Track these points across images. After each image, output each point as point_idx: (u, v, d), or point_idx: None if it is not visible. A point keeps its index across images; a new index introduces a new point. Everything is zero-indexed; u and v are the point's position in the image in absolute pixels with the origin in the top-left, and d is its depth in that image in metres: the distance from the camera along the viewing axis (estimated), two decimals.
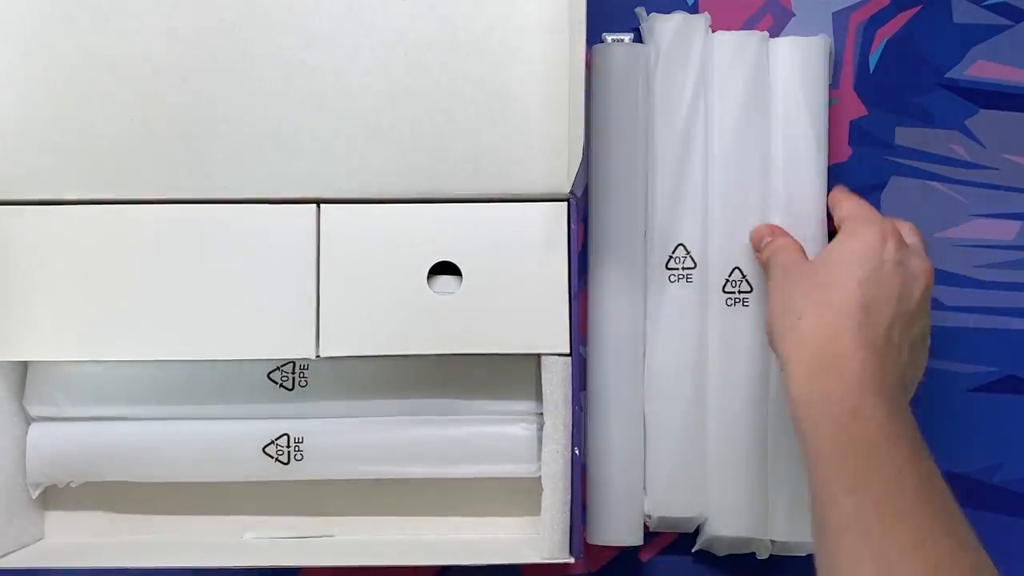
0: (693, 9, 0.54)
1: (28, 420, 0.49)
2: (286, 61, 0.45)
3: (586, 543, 0.50)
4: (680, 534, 0.53)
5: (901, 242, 0.43)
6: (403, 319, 0.45)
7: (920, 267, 0.43)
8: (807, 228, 0.51)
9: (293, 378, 0.49)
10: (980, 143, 0.54)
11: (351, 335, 0.45)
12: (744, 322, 0.50)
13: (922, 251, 0.44)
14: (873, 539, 0.35)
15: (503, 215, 0.45)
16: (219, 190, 0.45)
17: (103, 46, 0.45)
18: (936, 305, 0.52)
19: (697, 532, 0.52)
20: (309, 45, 0.45)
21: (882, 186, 0.54)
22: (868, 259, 0.42)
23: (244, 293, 0.45)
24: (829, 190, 0.51)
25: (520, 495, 0.50)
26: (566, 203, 0.46)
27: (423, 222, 0.45)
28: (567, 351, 0.45)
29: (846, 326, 0.39)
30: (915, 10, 0.54)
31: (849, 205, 0.46)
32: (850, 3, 0.54)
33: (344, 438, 0.48)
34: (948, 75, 0.54)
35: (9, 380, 0.48)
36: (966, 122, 0.54)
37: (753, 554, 0.51)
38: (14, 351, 0.45)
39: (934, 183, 0.54)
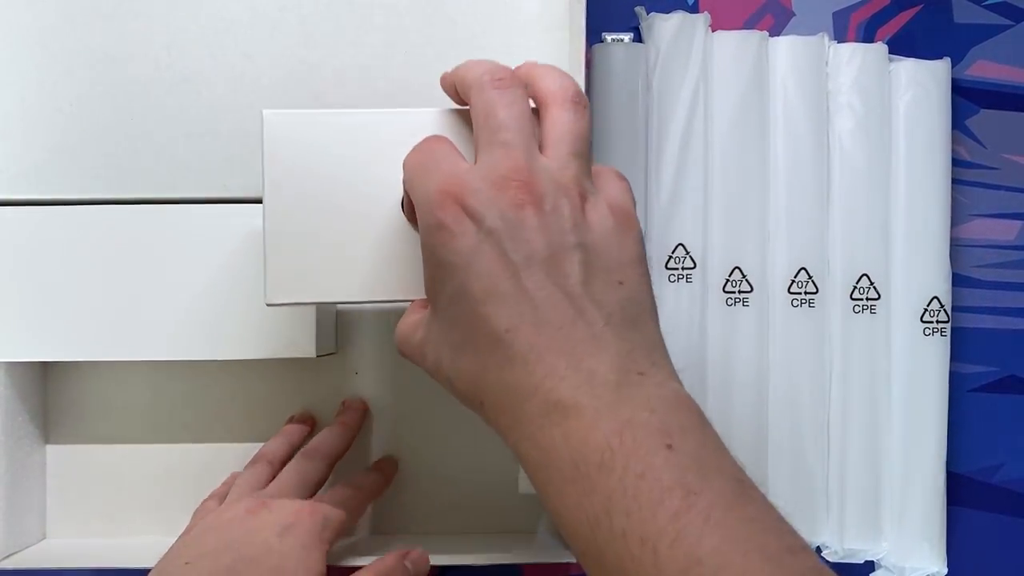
0: (693, 9, 0.54)
1: (30, 419, 0.49)
2: (286, 60, 0.45)
3: None
4: None
5: None
6: None
7: None
8: (808, 228, 0.51)
9: None
10: (981, 143, 0.54)
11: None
12: (744, 322, 0.50)
13: None
14: None
15: None
16: (219, 189, 0.45)
17: (103, 46, 0.45)
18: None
19: None
20: (308, 44, 0.45)
21: None
22: None
23: (245, 292, 0.45)
24: (828, 189, 0.51)
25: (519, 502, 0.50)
26: None
27: None
28: None
29: None
30: (916, 10, 0.54)
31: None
32: (851, 3, 0.54)
33: None
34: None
35: (12, 379, 0.48)
36: (967, 122, 0.54)
37: None
38: (14, 351, 0.45)
39: None
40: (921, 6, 0.54)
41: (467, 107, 0.33)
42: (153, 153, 0.45)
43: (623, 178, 0.32)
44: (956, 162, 0.53)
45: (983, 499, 0.53)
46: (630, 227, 0.31)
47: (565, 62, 0.45)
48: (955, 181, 0.53)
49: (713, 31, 0.52)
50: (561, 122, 0.31)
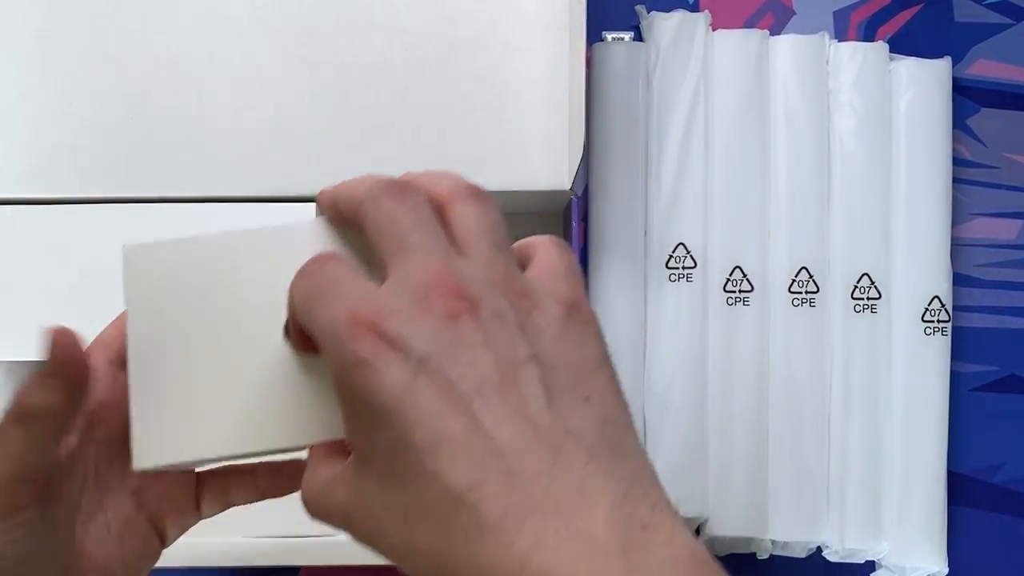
0: (694, 8, 0.54)
1: None
2: (286, 59, 0.45)
3: None
4: None
5: None
6: None
7: None
8: (808, 227, 0.51)
9: None
10: (982, 142, 0.54)
11: None
12: (745, 321, 0.50)
13: None
14: None
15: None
16: (218, 188, 0.45)
17: (103, 46, 0.45)
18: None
19: (697, 532, 0.52)
20: (309, 42, 0.45)
21: None
22: None
23: None
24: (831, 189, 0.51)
25: None
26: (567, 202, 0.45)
27: None
28: None
29: None
30: (916, 8, 0.54)
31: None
32: (851, 1, 0.54)
33: None
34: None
35: (12, 379, 0.48)
36: (968, 121, 0.54)
37: (754, 554, 0.51)
38: (14, 351, 0.45)
39: None
40: (922, 5, 0.54)
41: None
42: (153, 153, 0.45)
43: (565, 249, 0.27)
44: (957, 161, 0.53)
45: (984, 499, 0.53)
46: (586, 321, 0.25)
47: (565, 61, 0.45)
48: (956, 180, 0.53)
49: (714, 30, 0.52)
50: (471, 215, 0.26)
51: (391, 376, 0.22)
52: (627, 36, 0.52)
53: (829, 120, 0.51)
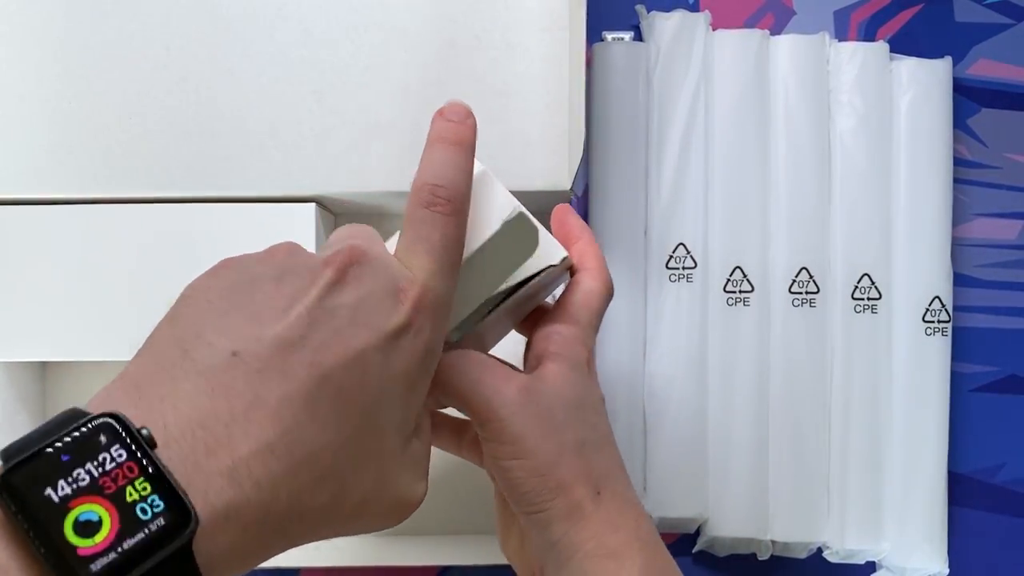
0: (694, 7, 0.54)
1: (29, 419, 0.49)
2: (286, 59, 0.45)
3: None
4: (680, 534, 0.53)
5: None
6: None
7: None
8: (809, 227, 0.51)
9: None
10: (982, 142, 0.54)
11: None
12: (745, 322, 0.50)
13: None
14: None
15: None
16: (218, 188, 0.45)
17: (103, 45, 0.45)
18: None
19: (698, 532, 0.52)
20: (308, 42, 0.45)
21: None
22: None
23: None
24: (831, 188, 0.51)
25: None
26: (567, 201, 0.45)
27: None
28: None
29: None
30: (916, 8, 0.54)
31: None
32: (851, 1, 0.54)
33: None
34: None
35: (11, 379, 0.48)
36: (968, 121, 0.54)
37: (754, 554, 0.51)
38: (14, 351, 0.45)
39: None
40: (922, 5, 0.54)
41: None
42: (152, 153, 0.45)
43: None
44: (957, 161, 0.53)
45: (984, 499, 0.53)
46: None
47: (565, 61, 0.45)
48: (956, 180, 0.53)
49: (714, 30, 0.52)
50: None
51: None
52: (627, 36, 0.52)
53: (829, 120, 0.51)
